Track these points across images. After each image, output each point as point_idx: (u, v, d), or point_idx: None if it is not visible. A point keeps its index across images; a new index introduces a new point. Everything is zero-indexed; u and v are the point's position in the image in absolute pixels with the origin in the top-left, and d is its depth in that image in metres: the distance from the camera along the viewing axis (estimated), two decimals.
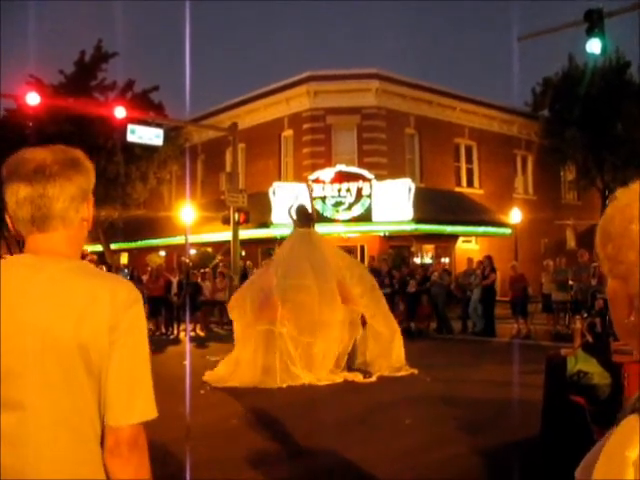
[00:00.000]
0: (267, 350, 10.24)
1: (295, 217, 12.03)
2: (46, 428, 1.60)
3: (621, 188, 1.17)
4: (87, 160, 1.77)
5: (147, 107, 27.20)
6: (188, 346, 13.94)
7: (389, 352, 11.26)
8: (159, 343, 15.34)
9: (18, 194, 1.67)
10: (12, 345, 1.60)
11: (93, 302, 1.63)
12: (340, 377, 10.32)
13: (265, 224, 23.99)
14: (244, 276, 20.47)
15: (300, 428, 7.42)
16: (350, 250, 25.53)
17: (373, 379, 10.47)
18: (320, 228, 23.84)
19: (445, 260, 26.31)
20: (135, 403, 1.65)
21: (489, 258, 17.60)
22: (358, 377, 10.44)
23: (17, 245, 1.93)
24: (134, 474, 1.64)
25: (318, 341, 10.44)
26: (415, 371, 10.93)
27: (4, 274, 1.67)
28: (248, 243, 24.53)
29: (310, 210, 12.29)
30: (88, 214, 1.78)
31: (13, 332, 1.60)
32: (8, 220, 1.74)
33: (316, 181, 24.14)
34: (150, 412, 1.67)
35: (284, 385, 9.81)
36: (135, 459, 1.64)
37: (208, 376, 10.27)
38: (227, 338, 12.81)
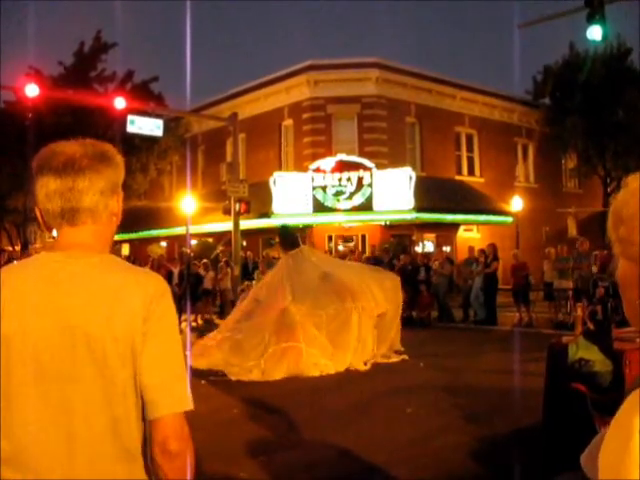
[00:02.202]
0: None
1: (281, 242, 12.19)
2: (80, 424, 1.60)
3: (632, 175, 1.21)
4: (117, 154, 1.78)
5: (147, 98, 27.15)
6: (189, 336, 13.93)
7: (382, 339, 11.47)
8: None
9: (48, 187, 1.67)
10: (44, 343, 1.60)
11: (124, 296, 1.64)
12: (343, 366, 10.35)
13: (266, 214, 23.99)
14: (245, 266, 20.49)
15: (300, 417, 7.43)
16: (351, 239, 25.62)
17: (368, 367, 10.52)
18: (321, 218, 24.10)
19: (446, 249, 26.32)
20: (174, 392, 1.64)
21: (493, 246, 17.57)
22: (360, 365, 10.48)
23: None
24: (182, 465, 1.63)
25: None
26: (406, 357, 11.13)
27: (34, 271, 1.68)
28: (249, 233, 24.53)
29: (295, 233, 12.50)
30: (117, 208, 1.78)
31: (44, 329, 1.60)
32: (38, 213, 1.74)
33: (317, 170, 24.13)
34: (189, 402, 1.67)
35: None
36: (183, 451, 1.64)
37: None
38: None
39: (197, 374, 9.67)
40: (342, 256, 22.04)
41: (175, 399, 1.64)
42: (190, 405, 1.67)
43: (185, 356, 1.73)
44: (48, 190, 1.67)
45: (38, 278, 1.65)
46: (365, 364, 10.56)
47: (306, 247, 12.16)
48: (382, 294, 11.35)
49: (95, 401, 1.60)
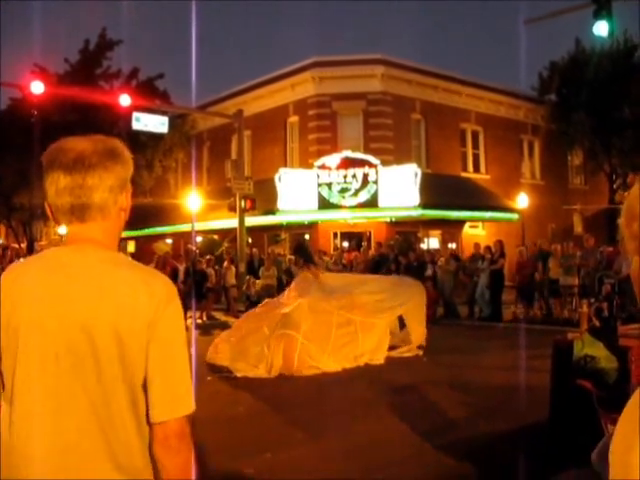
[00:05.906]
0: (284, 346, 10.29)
1: (296, 253, 12.62)
2: (76, 418, 1.61)
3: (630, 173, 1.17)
4: (126, 150, 1.79)
5: (152, 95, 27.12)
6: (194, 333, 13.96)
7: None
8: None
9: (58, 184, 1.68)
10: (50, 336, 1.61)
11: (131, 294, 1.65)
12: (348, 363, 10.35)
13: (271, 211, 23.98)
14: (251, 264, 20.50)
15: (306, 414, 7.45)
16: (356, 236, 25.59)
17: (381, 361, 10.56)
18: (326, 214, 24.07)
19: (452, 245, 26.27)
20: (179, 398, 1.67)
21: (500, 242, 17.57)
22: (365, 361, 10.50)
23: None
24: (183, 462, 1.67)
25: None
26: (420, 352, 11.31)
27: (43, 265, 1.71)
28: (254, 230, 24.52)
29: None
30: (126, 204, 1.80)
31: (51, 321, 1.62)
32: (47, 209, 1.75)
33: (322, 167, 24.11)
34: (192, 405, 1.69)
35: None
36: (184, 448, 1.68)
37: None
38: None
39: (203, 371, 9.71)
40: (347, 253, 22.07)
41: (179, 404, 1.66)
42: (192, 408, 1.69)
43: (190, 355, 1.75)
44: (58, 187, 1.68)
45: (47, 271, 1.67)
46: (372, 360, 10.60)
47: (316, 271, 12.53)
48: (394, 297, 11.46)
49: (94, 396, 1.61)
